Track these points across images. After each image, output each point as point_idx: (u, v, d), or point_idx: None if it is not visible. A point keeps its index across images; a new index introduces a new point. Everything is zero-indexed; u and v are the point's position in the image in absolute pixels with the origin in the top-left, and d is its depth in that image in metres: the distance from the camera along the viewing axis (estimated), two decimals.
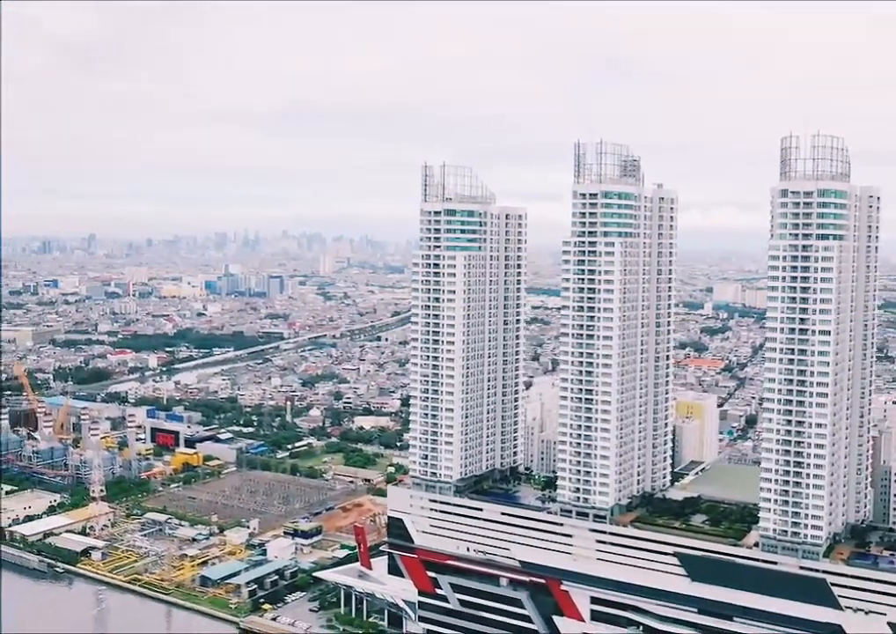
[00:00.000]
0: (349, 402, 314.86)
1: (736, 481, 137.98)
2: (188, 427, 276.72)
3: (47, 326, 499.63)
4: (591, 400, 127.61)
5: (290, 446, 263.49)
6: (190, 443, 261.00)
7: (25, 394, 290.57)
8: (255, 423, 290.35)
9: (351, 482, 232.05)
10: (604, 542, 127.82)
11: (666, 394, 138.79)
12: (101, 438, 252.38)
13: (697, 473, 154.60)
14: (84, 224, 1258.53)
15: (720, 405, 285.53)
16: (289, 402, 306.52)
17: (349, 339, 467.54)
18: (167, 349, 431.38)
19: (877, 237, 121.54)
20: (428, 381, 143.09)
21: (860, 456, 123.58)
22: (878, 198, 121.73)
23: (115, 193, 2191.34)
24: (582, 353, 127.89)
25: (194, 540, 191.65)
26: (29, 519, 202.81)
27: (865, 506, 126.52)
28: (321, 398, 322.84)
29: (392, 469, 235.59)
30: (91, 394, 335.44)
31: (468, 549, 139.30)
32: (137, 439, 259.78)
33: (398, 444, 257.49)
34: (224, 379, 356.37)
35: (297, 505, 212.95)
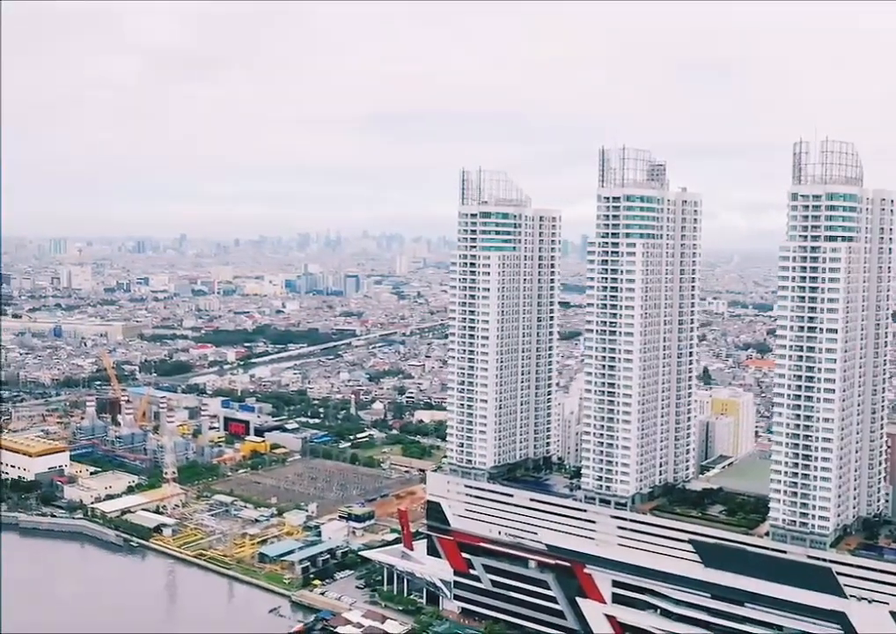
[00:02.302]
0: (412, 397, 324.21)
1: (759, 474, 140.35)
2: (258, 417, 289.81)
3: (137, 321, 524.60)
4: (614, 393, 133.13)
5: (352, 437, 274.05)
6: (259, 432, 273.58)
7: (111, 384, 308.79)
8: (321, 415, 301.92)
9: (406, 471, 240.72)
10: (624, 529, 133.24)
11: (689, 389, 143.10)
12: (178, 425, 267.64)
13: (724, 467, 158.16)
14: (177, 225, 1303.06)
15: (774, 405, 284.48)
16: (354, 396, 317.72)
17: (419, 337, 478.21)
18: (246, 344, 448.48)
19: (890, 238, 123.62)
20: (464, 374, 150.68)
21: (872, 452, 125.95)
22: (892, 201, 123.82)
23: (208, 195, 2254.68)
24: (605, 349, 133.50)
25: (256, 521, 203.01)
26: (109, 497, 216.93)
27: (879, 500, 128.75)
28: (385, 392, 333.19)
29: (446, 460, 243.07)
30: (173, 385, 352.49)
31: (500, 533, 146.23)
32: (211, 428, 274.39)
33: None
34: (295, 373, 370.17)
35: (354, 492, 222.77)
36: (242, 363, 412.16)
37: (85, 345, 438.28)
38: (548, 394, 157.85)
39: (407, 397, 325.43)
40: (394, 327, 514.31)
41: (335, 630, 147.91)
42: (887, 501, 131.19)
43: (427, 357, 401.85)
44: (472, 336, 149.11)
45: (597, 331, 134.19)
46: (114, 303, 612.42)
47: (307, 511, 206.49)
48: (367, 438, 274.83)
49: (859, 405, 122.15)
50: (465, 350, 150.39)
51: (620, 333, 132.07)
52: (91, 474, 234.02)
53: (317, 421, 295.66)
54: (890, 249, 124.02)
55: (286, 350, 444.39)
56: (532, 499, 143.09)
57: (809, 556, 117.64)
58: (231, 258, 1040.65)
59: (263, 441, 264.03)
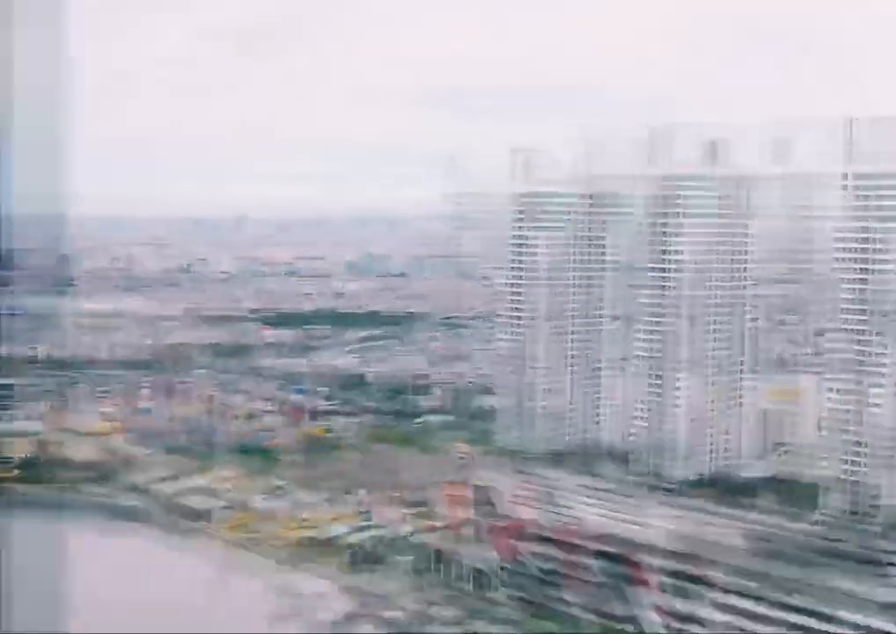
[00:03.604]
0: (473, 382, 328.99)
1: (815, 463, 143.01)
2: (316, 401, 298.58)
3: (197, 303, 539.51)
4: (662, 376, 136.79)
5: (409, 422, 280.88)
6: (315, 416, 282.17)
7: (169, 366, 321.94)
8: (379, 399, 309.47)
9: (462, 457, 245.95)
10: (674, 516, 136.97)
11: (741, 373, 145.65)
12: (234, 409, 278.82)
13: (780, 454, 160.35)
14: (238, 205, 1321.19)
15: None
16: (414, 381, 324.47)
17: (483, 320, 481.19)
18: (305, 327, 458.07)
19: None
20: (514, 357, 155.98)
21: None
22: None
23: (269, 174, 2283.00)
24: (654, 331, 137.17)
25: (308, 504, 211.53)
26: (165, 479, 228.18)
27: None
28: (445, 376, 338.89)
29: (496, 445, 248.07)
30: (232, 368, 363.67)
31: (547, 518, 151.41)
32: (267, 411, 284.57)
33: None
34: (354, 357, 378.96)
35: (409, 477, 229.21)
36: (301, 346, 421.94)
37: (145, 327, 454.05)
38: (599, 379, 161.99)
39: (468, 382, 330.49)
40: (458, 310, 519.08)
41: (382, 614, 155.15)
42: None
43: (494, 341, 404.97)
44: (520, 318, 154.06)
45: (646, 313, 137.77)
46: (175, 284, 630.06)
47: (360, 495, 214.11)
48: (425, 423, 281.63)
49: None
50: (515, 333, 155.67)
51: (670, 314, 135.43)
52: (148, 455, 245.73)
53: (374, 405, 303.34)
54: None
55: (346, 332, 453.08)
56: (580, 485, 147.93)
57: (863, 546, 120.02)
58: (292, 238, 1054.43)
59: (320, 426, 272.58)
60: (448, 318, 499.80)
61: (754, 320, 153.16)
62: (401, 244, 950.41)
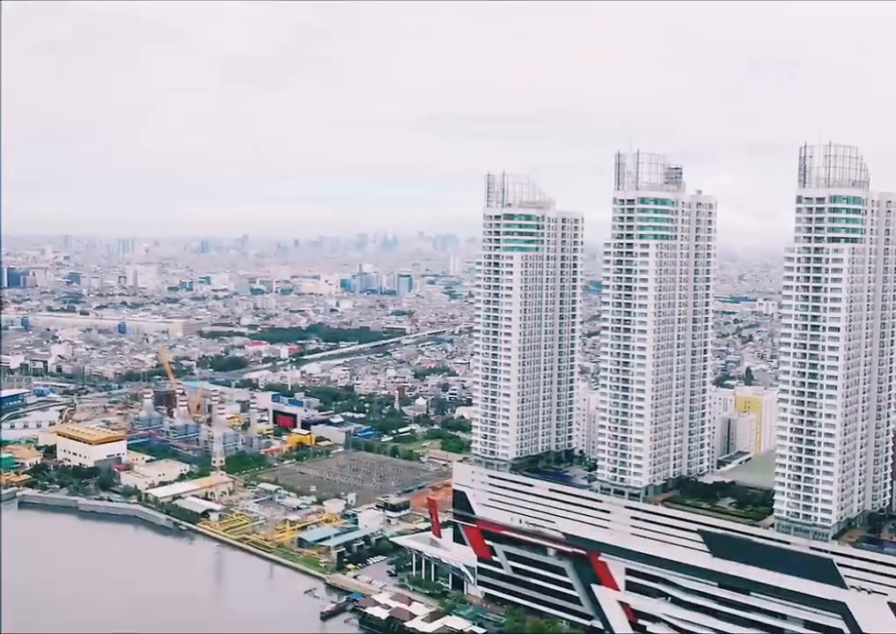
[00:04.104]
0: (454, 394, 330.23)
1: (773, 469, 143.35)
2: (306, 411, 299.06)
3: (197, 319, 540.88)
4: (628, 388, 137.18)
5: (394, 431, 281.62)
6: (306, 425, 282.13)
7: (168, 378, 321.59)
8: (366, 410, 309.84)
9: (444, 465, 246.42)
10: (637, 519, 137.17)
11: (704, 385, 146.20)
12: (228, 418, 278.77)
13: (741, 462, 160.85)
14: (240, 225, 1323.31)
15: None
16: (399, 392, 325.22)
17: (467, 335, 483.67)
18: (299, 341, 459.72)
19: None
20: (488, 368, 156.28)
21: (878, 448, 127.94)
22: None
23: (272, 196, 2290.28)
24: (619, 345, 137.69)
25: (297, 508, 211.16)
26: (162, 484, 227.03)
27: (885, 495, 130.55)
28: (430, 389, 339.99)
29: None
30: (228, 380, 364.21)
31: (521, 521, 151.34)
32: (260, 421, 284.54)
33: None
34: (344, 370, 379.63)
35: (392, 483, 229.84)
36: (294, 359, 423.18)
37: (147, 341, 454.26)
38: (570, 389, 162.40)
39: (450, 394, 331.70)
40: (444, 325, 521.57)
41: (364, 611, 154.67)
42: (892, 497, 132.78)
43: (472, 355, 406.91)
44: (495, 333, 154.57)
45: (612, 329, 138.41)
46: (177, 301, 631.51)
47: (346, 500, 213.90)
48: (409, 433, 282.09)
49: (864, 402, 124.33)
50: (489, 346, 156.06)
51: (634, 330, 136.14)
52: (147, 462, 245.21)
53: (362, 415, 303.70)
54: None
55: (337, 347, 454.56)
56: (550, 489, 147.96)
57: (811, 548, 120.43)
58: (291, 258, 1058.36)
59: (309, 434, 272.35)
60: (435, 333, 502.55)
61: (723, 335, 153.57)
62: (396, 262, 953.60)
